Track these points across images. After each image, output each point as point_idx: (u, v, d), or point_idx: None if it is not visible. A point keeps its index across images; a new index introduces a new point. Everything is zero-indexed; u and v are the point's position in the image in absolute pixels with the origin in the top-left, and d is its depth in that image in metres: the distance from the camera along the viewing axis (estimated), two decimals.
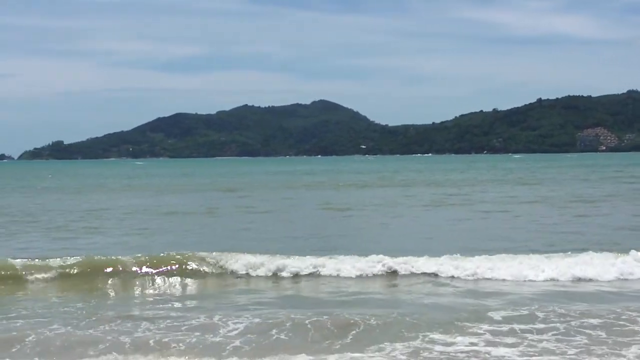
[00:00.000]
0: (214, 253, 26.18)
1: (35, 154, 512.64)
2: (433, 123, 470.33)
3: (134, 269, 25.14)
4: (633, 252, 25.65)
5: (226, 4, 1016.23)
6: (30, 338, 17.03)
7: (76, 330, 17.73)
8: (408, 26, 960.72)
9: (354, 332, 17.24)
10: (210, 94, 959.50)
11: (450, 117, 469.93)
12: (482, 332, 17.18)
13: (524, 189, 71.96)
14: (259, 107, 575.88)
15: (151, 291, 23.27)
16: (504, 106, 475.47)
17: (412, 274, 24.65)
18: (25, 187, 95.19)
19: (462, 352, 15.69)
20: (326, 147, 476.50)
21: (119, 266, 25.26)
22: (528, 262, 24.78)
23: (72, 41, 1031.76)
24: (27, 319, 19.05)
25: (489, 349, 15.93)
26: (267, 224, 42.42)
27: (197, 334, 17.37)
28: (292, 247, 30.74)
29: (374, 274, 24.57)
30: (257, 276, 24.65)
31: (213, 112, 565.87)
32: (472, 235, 35.04)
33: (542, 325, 17.76)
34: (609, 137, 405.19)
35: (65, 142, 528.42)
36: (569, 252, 26.34)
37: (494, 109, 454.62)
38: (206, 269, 25.30)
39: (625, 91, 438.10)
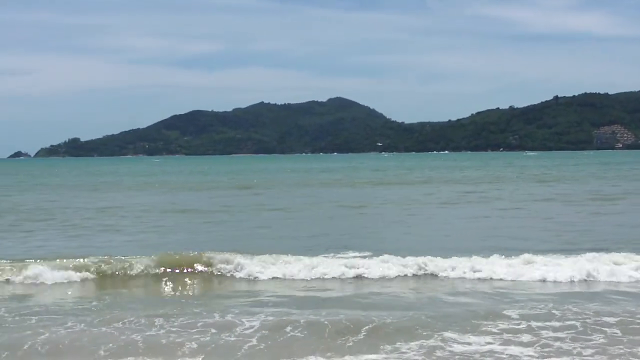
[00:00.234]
0: (238, 256, 25.85)
1: (51, 151, 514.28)
2: (449, 120, 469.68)
3: (149, 269, 25.03)
4: None
5: (243, 1, 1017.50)
6: (43, 337, 17.07)
7: (91, 328, 17.73)
8: (425, 23, 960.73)
9: (369, 332, 17.15)
10: (227, 91, 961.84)
11: (466, 115, 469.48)
12: (498, 331, 17.09)
13: (541, 187, 71.69)
14: (275, 104, 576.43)
15: (165, 290, 23.19)
16: (521, 103, 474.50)
17: (427, 274, 24.47)
18: (41, 184, 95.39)
19: (477, 353, 15.60)
20: (342, 144, 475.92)
21: (135, 266, 25.16)
22: (543, 262, 24.59)
23: (88, 38, 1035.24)
24: (41, 315, 19.08)
25: (504, 347, 15.86)
26: (284, 222, 42.33)
27: (214, 331, 17.39)
28: (309, 245, 30.71)
29: (397, 276, 24.30)
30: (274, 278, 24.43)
31: (229, 109, 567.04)
32: (489, 234, 34.84)
33: (558, 324, 17.65)
34: (625, 135, 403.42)
35: (82, 140, 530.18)
36: (587, 252, 26.20)
37: (510, 107, 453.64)
38: (222, 268, 25.14)
39: None
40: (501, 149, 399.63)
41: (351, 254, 27.49)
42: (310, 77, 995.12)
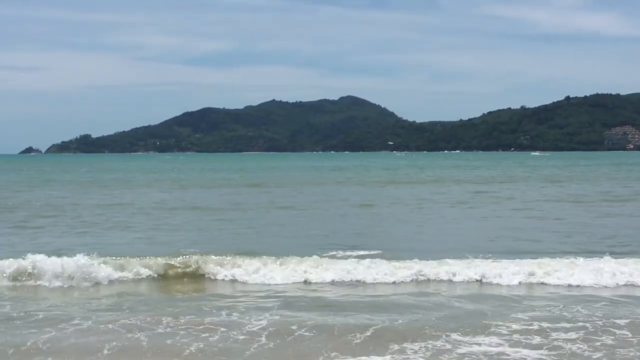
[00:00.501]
0: (246, 259, 25.64)
1: (63, 148, 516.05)
2: (460, 120, 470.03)
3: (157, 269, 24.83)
4: None
5: None
6: (50, 335, 17.02)
7: (99, 326, 17.73)
8: (437, 22, 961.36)
9: (375, 333, 17.06)
10: (238, 88, 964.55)
11: (478, 114, 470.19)
12: (507, 332, 17.00)
13: (553, 187, 71.49)
14: (287, 102, 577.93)
15: (172, 290, 23.04)
16: (532, 103, 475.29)
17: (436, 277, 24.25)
18: (52, 180, 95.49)
19: (485, 354, 15.52)
20: (353, 143, 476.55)
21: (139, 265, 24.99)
22: (556, 265, 24.34)
23: (101, 35, 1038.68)
24: (48, 311, 19.06)
25: (512, 349, 15.78)
26: (294, 220, 42.17)
27: (223, 329, 17.39)
28: (318, 244, 30.59)
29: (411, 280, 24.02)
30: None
31: (241, 107, 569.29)
32: (500, 234, 34.66)
33: (568, 325, 17.56)
34: (636, 136, 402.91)
35: (93, 136, 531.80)
36: (601, 255, 26.05)
37: (521, 107, 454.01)
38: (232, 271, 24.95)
39: None
40: (512, 148, 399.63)
41: (361, 252, 27.43)
42: (322, 75, 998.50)
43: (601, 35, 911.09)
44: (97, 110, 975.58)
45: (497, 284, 22.81)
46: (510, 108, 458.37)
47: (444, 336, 16.70)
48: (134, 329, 17.43)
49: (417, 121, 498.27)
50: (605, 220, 40.71)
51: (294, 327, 17.57)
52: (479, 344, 16.12)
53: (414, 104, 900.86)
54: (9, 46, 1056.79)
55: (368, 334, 16.99)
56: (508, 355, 15.49)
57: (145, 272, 24.20)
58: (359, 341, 16.52)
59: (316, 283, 23.27)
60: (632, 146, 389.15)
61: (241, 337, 16.84)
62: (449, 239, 33.14)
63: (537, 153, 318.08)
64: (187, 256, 25.48)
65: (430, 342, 16.33)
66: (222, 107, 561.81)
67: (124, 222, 40.72)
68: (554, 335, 16.80)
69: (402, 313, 18.89)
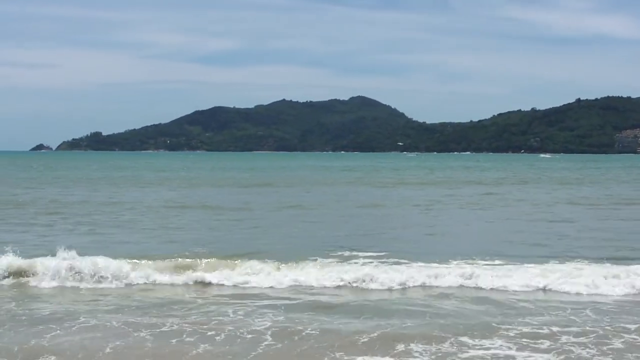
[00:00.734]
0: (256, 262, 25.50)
1: (73, 145, 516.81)
2: (471, 121, 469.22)
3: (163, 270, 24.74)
4: None
5: None
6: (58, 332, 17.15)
7: (105, 323, 17.85)
8: (448, 23, 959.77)
9: (382, 336, 17.06)
10: (249, 88, 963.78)
11: (488, 116, 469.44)
12: (516, 336, 17.00)
13: (563, 190, 71.42)
14: (297, 102, 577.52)
15: (178, 291, 22.95)
16: (543, 105, 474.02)
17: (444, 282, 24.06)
18: (62, 177, 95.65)
19: (494, 357, 15.53)
20: (363, 143, 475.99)
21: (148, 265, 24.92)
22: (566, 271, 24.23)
23: (113, 33, 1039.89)
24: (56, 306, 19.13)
25: (521, 353, 15.78)
26: (303, 222, 42.03)
27: (230, 328, 17.48)
28: (327, 246, 30.55)
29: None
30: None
31: (251, 106, 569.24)
32: (509, 238, 34.56)
33: (577, 329, 17.56)
34: None
35: (104, 134, 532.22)
36: (610, 259, 26.03)
37: (532, 109, 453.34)
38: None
39: None
40: (522, 150, 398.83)
41: (368, 254, 27.42)
42: (333, 75, 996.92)
43: (613, 38, 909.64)
44: (107, 108, 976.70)
45: (505, 289, 22.63)
46: (520, 110, 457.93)
47: (452, 339, 16.62)
48: (140, 328, 17.48)
49: (427, 122, 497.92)
50: (616, 224, 40.68)
51: (299, 328, 17.57)
52: (488, 348, 16.06)
53: (424, 105, 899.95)
54: (20, 43, 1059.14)
55: (374, 335, 16.96)
56: (516, 359, 15.51)
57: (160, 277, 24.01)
58: (365, 340, 16.54)
59: (322, 287, 23.05)
60: None
61: (248, 336, 16.89)
62: (458, 242, 33.01)
63: (547, 155, 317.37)
64: (194, 258, 25.38)
65: (437, 344, 16.29)
66: (232, 106, 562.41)
67: (132, 220, 40.74)
68: (564, 339, 16.75)
69: (409, 316, 18.78)
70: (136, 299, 21.12)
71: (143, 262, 24.69)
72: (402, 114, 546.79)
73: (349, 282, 23.09)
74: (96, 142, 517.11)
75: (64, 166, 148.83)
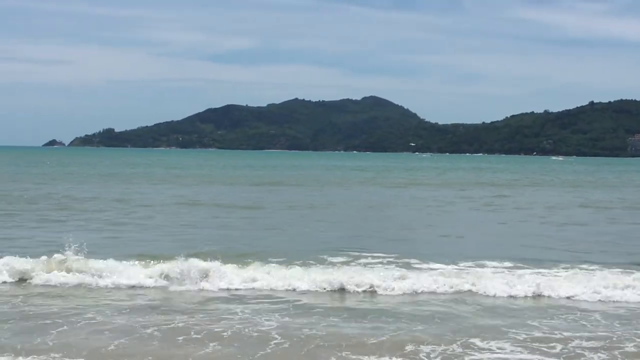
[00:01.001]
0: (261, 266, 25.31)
1: (86, 141, 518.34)
2: (483, 123, 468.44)
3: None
4: None
5: None
6: (63, 329, 17.16)
7: (111, 320, 17.86)
8: (461, 24, 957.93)
9: (391, 339, 16.92)
10: (262, 86, 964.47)
11: (500, 117, 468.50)
12: (526, 340, 16.87)
13: (578, 192, 71.29)
14: (310, 101, 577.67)
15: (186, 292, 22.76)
16: (556, 108, 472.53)
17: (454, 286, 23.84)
18: (74, 173, 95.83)
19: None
20: (375, 143, 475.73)
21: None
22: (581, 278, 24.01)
23: (127, 30, 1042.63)
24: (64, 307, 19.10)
25: (532, 356, 15.68)
26: (314, 222, 41.98)
27: (238, 326, 17.45)
28: (338, 247, 30.43)
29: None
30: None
31: (264, 104, 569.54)
32: (520, 242, 34.38)
33: (588, 334, 17.43)
34: None
35: (116, 130, 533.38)
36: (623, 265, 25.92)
37: (545, 111, 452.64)
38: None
39: None
40: (534, 153, 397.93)
41: (377, 256, 27.35)
42: (345, 74, 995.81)
43: (626, 41, 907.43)
44: (120, 104, 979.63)
45: (513, 295, 22.35)
46: (533, 112, 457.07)
47: (462, 342, 16.52)
48: (148, 326, 17.42)
49: (440, 123, 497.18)
50: (629, 228, 40.55)
51: (307, 329, 17.51)
52: (498, 351, 15.97)
53: (436, 106, 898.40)
54: (35, 39, 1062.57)
55: (383, 337, 16.87)
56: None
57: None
58: (374, 342, 16.44)
59: (329, 288, 22.74)
60: None
61: (256, 335, 16.83)
62: (469, 245, 32.91)
63: (560, 158, 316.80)
64: (202, 258, 25.17)
65: (446, 346, 16.21)
66: (245, 104, 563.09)
67: (143, 218, 40.73)
68: (574, 343, 16.63)
69: (417, 320, 18.58)
70: (143, 297, 21.03)
71: (152, 262, 24.45)
72: (415, 115, 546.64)
73: (357, 285, 22.84)
74: (108, 139, 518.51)
75: (76, 162, 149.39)
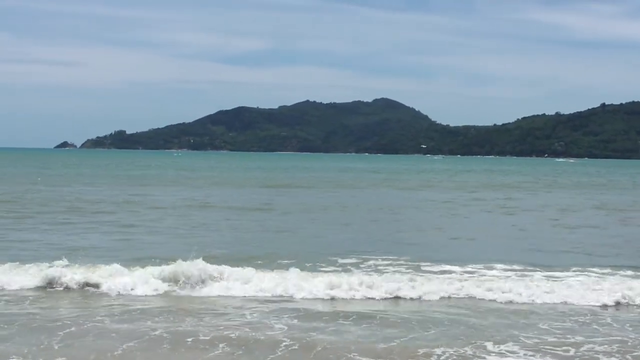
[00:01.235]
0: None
1: (97, 143, 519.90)
2: (494, 125, 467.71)
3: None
4: None
5: None
6: (71, 330, 17.10)
7: (119, 325, 17.80)
8: (473, 26, 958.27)
9: (402, 343, 16.81)
10: (273, 88, 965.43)
11: (512, 119, 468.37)
12: (539, 344, 16.76)
13: (590, 194, 71.14)
14: (321, 103, 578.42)
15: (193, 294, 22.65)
16: (567, 110, 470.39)
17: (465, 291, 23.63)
18: (86, 175, 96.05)
19: None
20: (386, 145, 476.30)
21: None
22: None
23: (139, 32, 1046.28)
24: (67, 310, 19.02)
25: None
26: (324, 224, 41.93)
27: (247, 329, 17.41)
28: (349, 251, 30.33)
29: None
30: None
31: (275, 106, 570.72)
32: (531, 246, 34.24)
33: (600, 338, 17.31)
34: None
35: (128, 132, 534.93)
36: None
37: (556, 113, 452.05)
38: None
39: None
40: (546, 155, 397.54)
41: (388, 259, 27.30)
42: (357, 76, 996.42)
43: (638, 43, 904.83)
44: (132, 106, 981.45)
45: (526, 301, 22.16)
46: (545, 114, 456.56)
47: (475, 346, 16.41)
48: (157, 329, 17.36)
49: (451, 125, 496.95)
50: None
51: (316, 332, 17.43)
52: (510, 355, 15.88)
53: (447, 108, 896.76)
54: (48, 41, 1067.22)
55: (393, 341, 16.75)
56: None
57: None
58: (383, 346, 16.34)
59: (338, 293, 22.47)
60: None
61: (265, 339, 16.74)
62: (481, 248, 32.71)
63: (571, 160, 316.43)
64: (212, 261, 25.02)
65: (460, 349, 16.09)
66: (256, 106, 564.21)
67: (154, 220, 40.69)
68: (587, 347, 16.53)
69: (428, 324, 18.39)
70: (152, 300, 20.96)
71: (162, 265, 24.28)
72: (426, 117, 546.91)
73: (367, 289, 22.67)
74: (120, 141, 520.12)
75: (88, 164, 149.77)
